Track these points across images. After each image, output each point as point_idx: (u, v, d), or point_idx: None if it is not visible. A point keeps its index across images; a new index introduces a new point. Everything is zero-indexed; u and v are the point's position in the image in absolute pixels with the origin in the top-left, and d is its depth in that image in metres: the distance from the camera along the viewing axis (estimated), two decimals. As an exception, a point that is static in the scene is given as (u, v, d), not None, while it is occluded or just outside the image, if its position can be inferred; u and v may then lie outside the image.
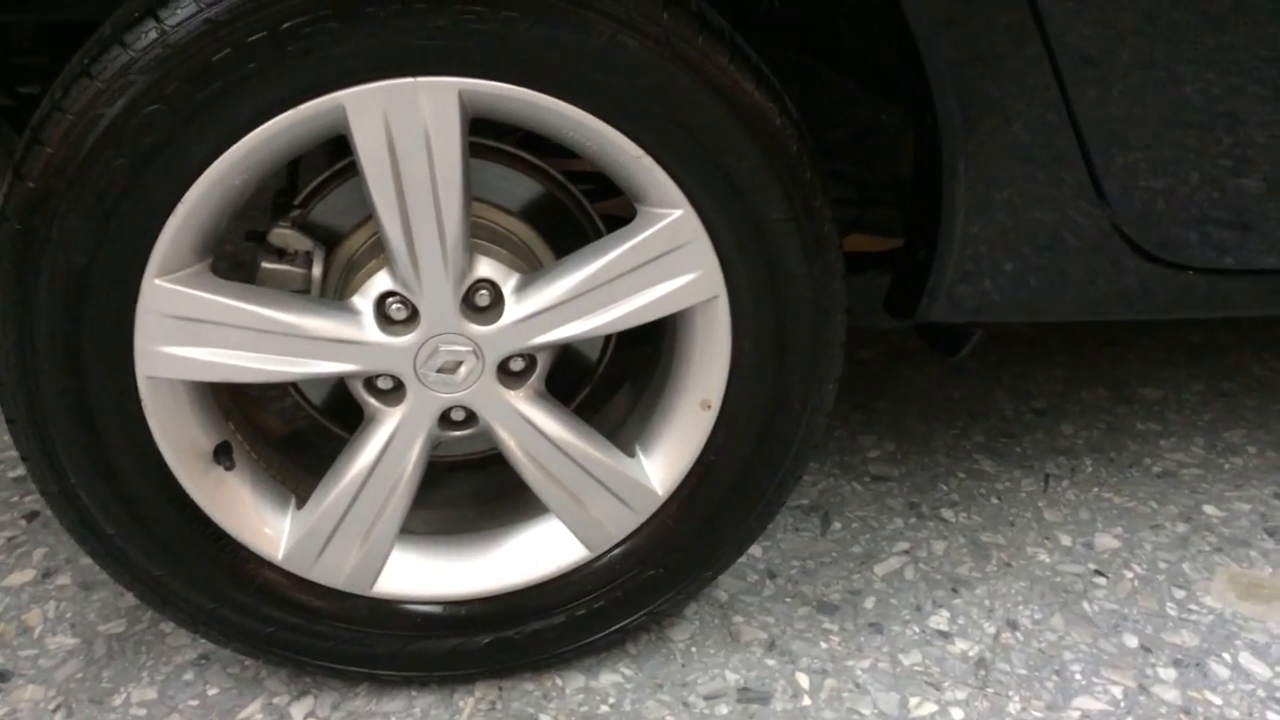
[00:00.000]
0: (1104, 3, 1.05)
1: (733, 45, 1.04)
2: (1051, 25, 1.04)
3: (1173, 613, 1.38)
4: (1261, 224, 1.23)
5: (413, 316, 1.08)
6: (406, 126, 0.99)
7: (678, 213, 1.07)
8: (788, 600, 1.40)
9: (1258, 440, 1.74)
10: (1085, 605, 1.39)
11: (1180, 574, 1.45)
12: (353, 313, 1.08)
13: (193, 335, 1.04)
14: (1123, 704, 1.24)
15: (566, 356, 1.25)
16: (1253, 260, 1.26)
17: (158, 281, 1.01)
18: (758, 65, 1.06)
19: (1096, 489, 1.62)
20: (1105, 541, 1.51)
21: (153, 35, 0.94)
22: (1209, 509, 1.58)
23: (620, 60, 0.99)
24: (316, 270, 1.13)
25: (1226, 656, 1.31)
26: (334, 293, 1.14)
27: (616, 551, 1.20)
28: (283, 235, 1.13)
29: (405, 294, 1.07)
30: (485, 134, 1.15)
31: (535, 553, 1.21)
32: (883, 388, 1.89)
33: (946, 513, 1.57)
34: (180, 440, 1.09)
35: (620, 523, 1.19)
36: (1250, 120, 1.16)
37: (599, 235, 1.19)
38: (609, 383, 1.30)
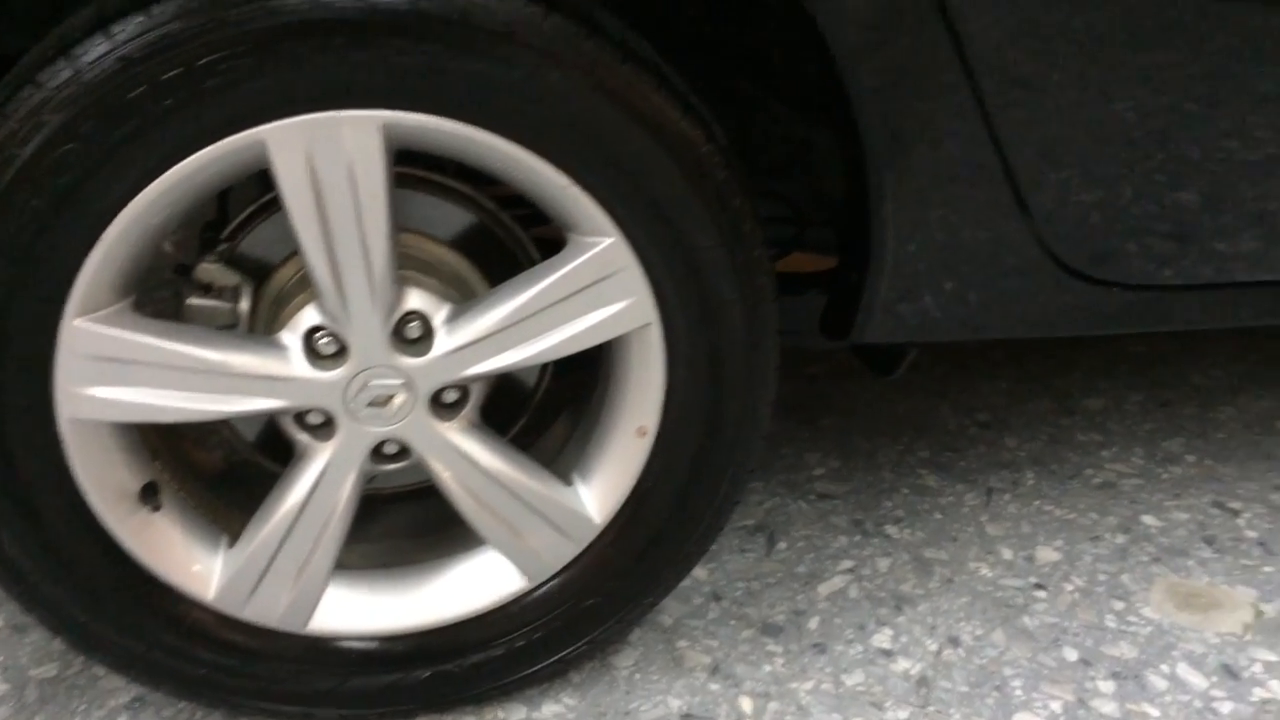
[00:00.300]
0: (1021, 28, 1.06)
1: (658, 73, 1.04)
2: (970, 48, 1.05)
3: (1112, 625, 1.39)
4: (1188, 240, 1.25)
5: (342, 351, 1.07)
6: (329, 160, 0.98)
7: (607, 241, 1.07)
8: (732, 623, 1.40)
9: (1196, 449, 1.77)
10: (1026, 619, 1.40)
11: (1119, 585, 1.46)
12: (280, 348, 1.07)
13: (116, 376, 1.02)
14: (1062, 718, 1.25)
15: (503, 384, 1.25)
16: (1180, 276, 1.28)
17: (78, 322, 0.99)
18: (684, 93, 1.06)
19: (1038, 501, 1.64)
20: (1046, 554, 1.52)
21: (66, 74, 0.92)
22: (1148, 519, 1.60)
23: (544, 91, 0.99)
24: (244, 305, 1.12)
25: (1164, 668, 1.32)
26: (263, 327, 1.13)
27: (555, 581, 1.20)
28: (209, 270, 1.11)
29: (333, 328, 1.06)
30: (416, 163, 1.15)
31: (473, 584, 1.20)
32: (829, 404, 1.90)
33: (891, 529, 1.58)
34: (105, 482, 1.07)
35: (558, 552, 1.19)
36: (1172, 139, 1.17)
37: (533, 262, 1.19)
38: (547, 410, 1.30)
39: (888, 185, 1.13)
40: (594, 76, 1.00)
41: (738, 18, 1.27)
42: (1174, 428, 1.83)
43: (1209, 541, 1.55)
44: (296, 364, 1.06)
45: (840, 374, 1.98)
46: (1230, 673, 1.31)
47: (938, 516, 1.60)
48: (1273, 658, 1.33)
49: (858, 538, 1.56)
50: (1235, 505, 1.62)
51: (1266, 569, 1.49)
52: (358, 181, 0.99)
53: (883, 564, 1.51)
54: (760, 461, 1.72)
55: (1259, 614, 1.41)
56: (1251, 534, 1.56)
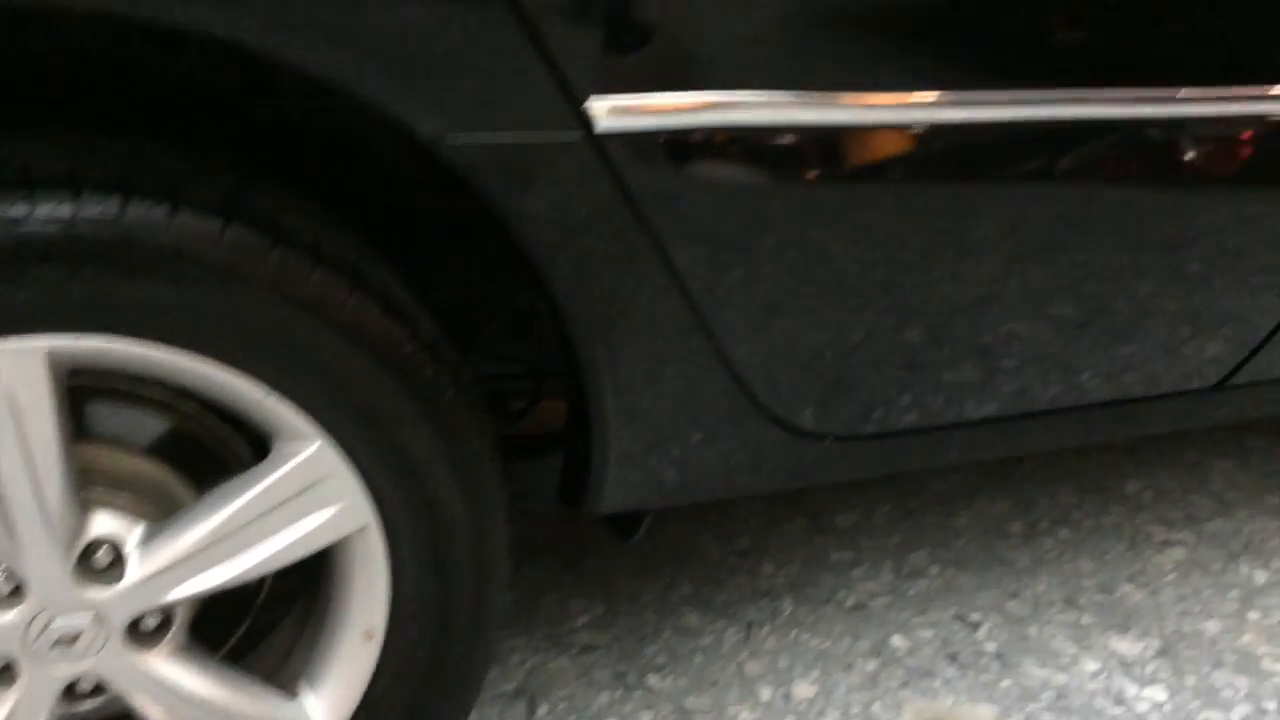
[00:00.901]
0: (711, 216, 1.10)
1: (355, 274, 1.01)
2: (663, 236, 1.08)
3: (864, 761, 1.42)
4: (903, 390, 1.31)
5: (18, 590, 0.98)
6: (-15, 394, 0.90)
7: (313, 447, 1.03)
8: (489, 808, 1.35)
9: (939, 559, 1.85)
10: (784, 766, 1.41)
11: (870, 717, 1.50)
12: (-57, 596, 0.96)
13: None
14: None
15: (221, 593, 1.17)
16: (898, 422, 1.34)
17: None
18: (385, 290, 1.04)
19: (795, 631, 1.67)
20: (802, 690, 1.55)
21: None
22: (896, 640, 1.65)
23: (227, 307, 0.95)
24: (-99, 550, 1.00)
25: (913, 802, 1.36)
26: (-72, 566, 1.02)
27: (285, 803, 1.12)
28: None
29: (6, 566, 0.97)
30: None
31: (192, 819, 1.10)
32: (593, 543, 1.89)
33: (653, 679, 1.57)
34: None
35: (285, 773, 1.11)
36: (879, 297, 1.23)
37: (244, 463, 1.12)
38: (273, 611, 1.22)
39: (598, 357, 1.14)
40: (281, 287, 0.96)
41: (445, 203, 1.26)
42: (918, 538, 1.91)
43: (952, 659, 1.61)
44: (-37, 612, 0.96)
45: (603, 509, 1.97)
46: (974, 799, 1.36)
47: (699, 659, 1.61)
48: (1011, 778, 1.40)
49: (620, 692, 1.54)
50: (975, 617, 1.70)
51: (1004, 683, 1.56)
52: (21, 412, 0.92)
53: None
54: (524, 614, 1.70)
55: (998, 732, 1.47)
56: (990, 646, 1.64)
